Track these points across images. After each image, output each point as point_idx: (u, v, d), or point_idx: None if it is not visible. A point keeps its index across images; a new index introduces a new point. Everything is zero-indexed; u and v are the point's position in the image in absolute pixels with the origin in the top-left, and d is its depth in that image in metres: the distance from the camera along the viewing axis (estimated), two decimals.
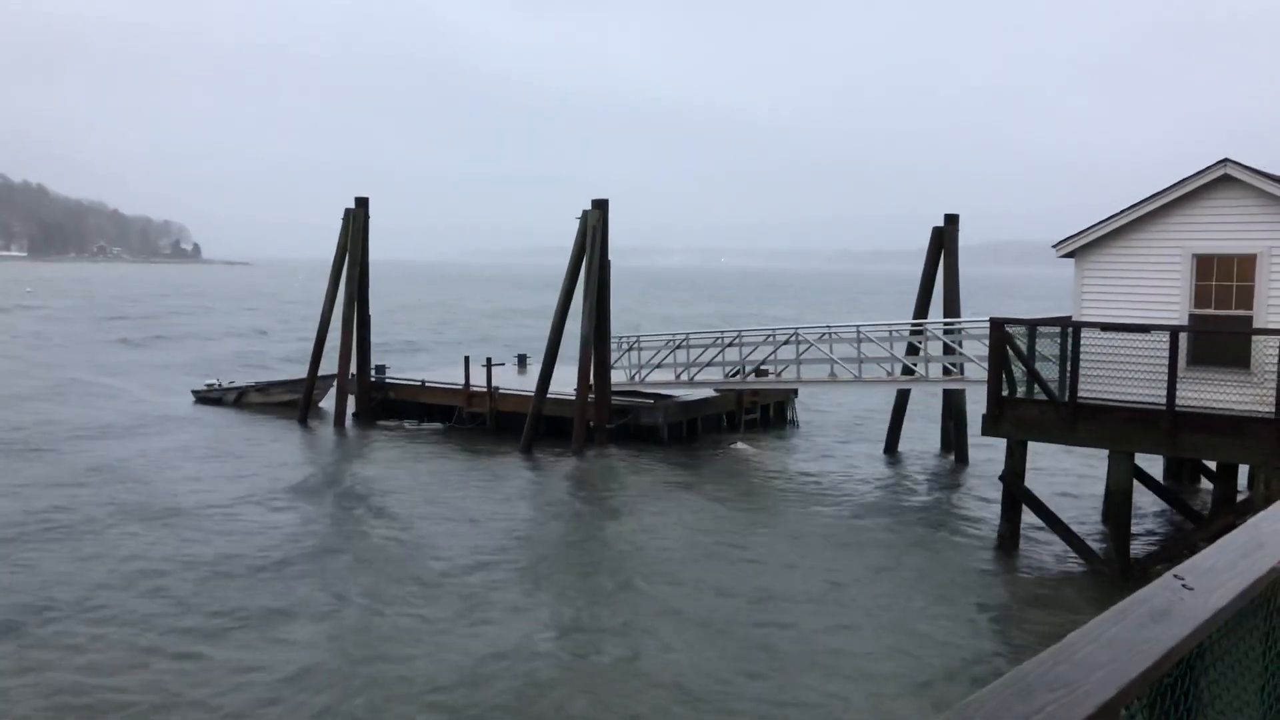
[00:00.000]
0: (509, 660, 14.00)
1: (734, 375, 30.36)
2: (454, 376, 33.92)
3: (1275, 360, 16.44)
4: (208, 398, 37.66)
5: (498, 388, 31.88)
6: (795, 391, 34.47)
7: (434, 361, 49.62)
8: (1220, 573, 2.76)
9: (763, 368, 30.38)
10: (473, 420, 32.17)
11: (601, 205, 29.05)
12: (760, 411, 33.13)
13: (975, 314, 30.70)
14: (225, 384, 38.62)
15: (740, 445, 29.86)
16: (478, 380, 32.25)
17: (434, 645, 14.52)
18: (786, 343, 29.11)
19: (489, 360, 32.68)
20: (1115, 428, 17.88)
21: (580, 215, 29.04)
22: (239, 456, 27.93)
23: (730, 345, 30.39)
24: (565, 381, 29.74)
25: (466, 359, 33.39)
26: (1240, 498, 21.08)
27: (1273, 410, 16.50)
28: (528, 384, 31.48)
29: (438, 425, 32.87)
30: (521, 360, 38.59)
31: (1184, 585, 2.62)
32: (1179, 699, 2.44)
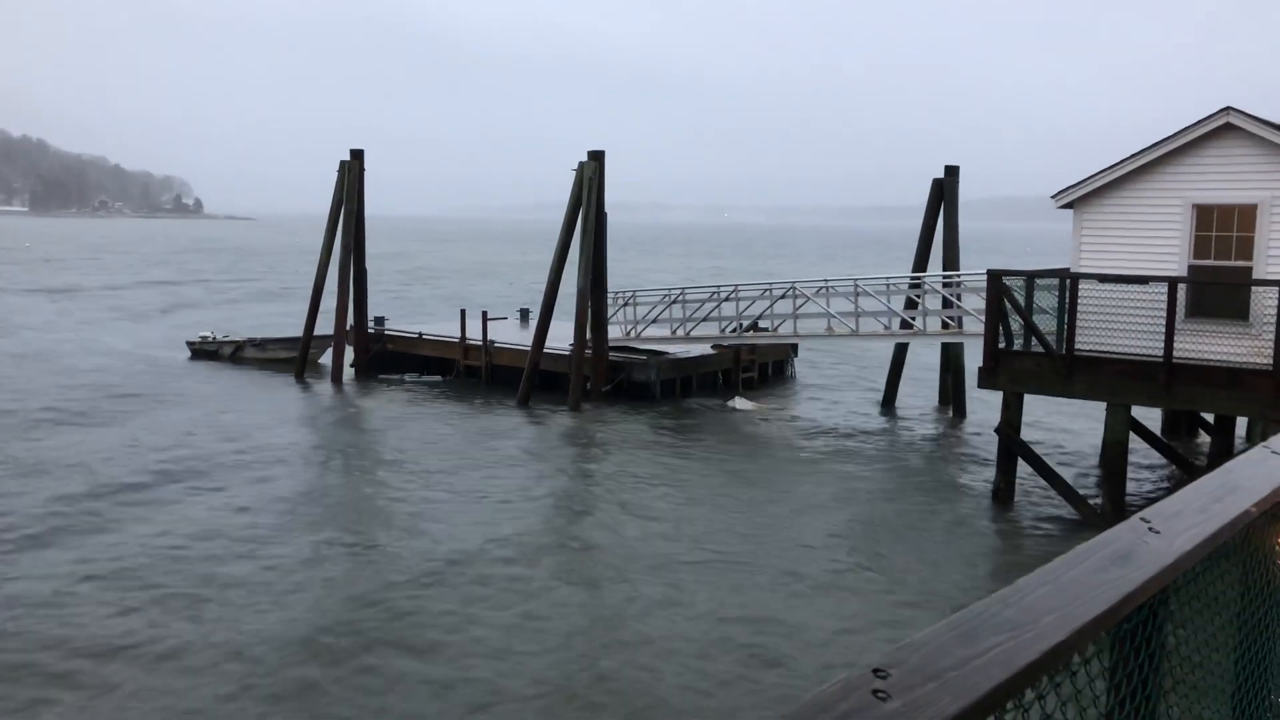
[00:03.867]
0: (490, 615, 14.03)
1: (730, 330, 30.21)
2: (455, 330, 33.83)
3: (1274, 312, 16.28)
4: (203, 350, 37.51)
5: (493, 341, 31.83)
6: (795, 348, 34.35)
7: (437, 313, 49.45)
8: (1189, 516, 2.66)
9: (759, 324, 30.21)
10: (469, 374, 32.16)
11: (597, 157, 28.76)
12: (758, 369, 32.97)
13: (975, 270, 30.48)
14: (221, 337, 38.44)
15: (739, 401, 29.75)
16: (476, 334, 32.21)
17: (423, 601, 14.54)
18: (783, 297, 28.94)
19: (485, 314, 32.59)
20: (1112, 380, 17.77)
21: (576, 167, 28.76)
22: (236, 412, 27.87)
23: (727, 300, 30.21)
24: (564, 337, 29.63)
25: (463, 312, 33.30)
26: (1238, 451, 21.03)
27: (1270, 362, 16.37)
28: (529, 339, 31.41)
29: (436, 379, 32.87)
30: (524, 315, 38.46)
31: (1150, 528, 2.52)
32: (1140, 644, 2.35)
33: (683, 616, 14.02)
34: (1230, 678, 3.17)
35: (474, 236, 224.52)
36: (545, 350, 29.25)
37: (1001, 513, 19.21)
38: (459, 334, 32.66)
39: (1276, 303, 16.23)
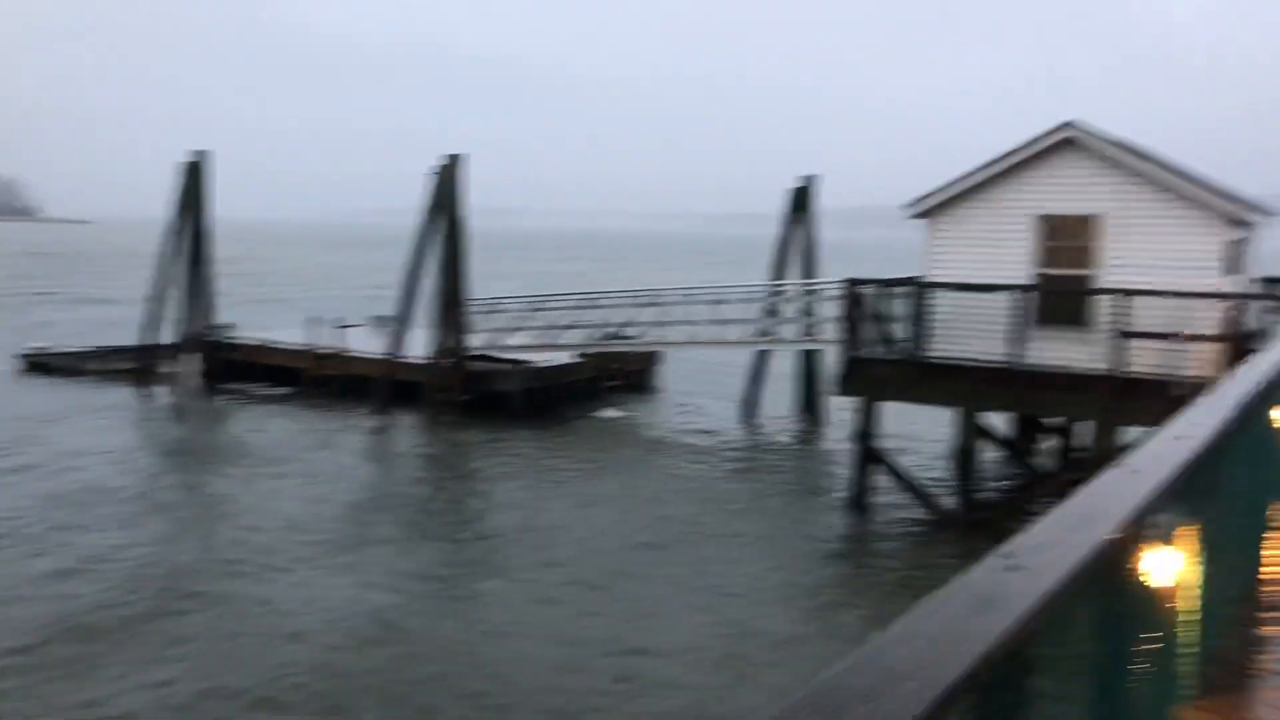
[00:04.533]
0: (320, 629, 13.45)
1: (595, 339, 29.99)
2: (304, 338, 32.64)
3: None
4: (37, 363, 35.25)
5: (346, 349, 30.78)
6: (659, 356, 34.27)
7: (274, 320, 47.73)
8: (1050, 549, 2.52)
9: (624, 332, 30.05)
10: (320, 383, 30.93)
11: (455, 159, 28.13)
12: (623, 378, 32.75)
13: (834, 278, 30.99)
14: (57, 348, 36.20)
15: (605, 411, 29.51)
16: (327, 342, 31.14)
17: (256, 612, 13.84)
18: (647, 305, 28.89)
19: (338, 321, 31.59)
20: (963, 386, 18.18)
21: (432, 170, 28.08)
22: (66, 422, 26.26)
23: (591, 308, 29.99)
24: (423, 345, 28.90)
25: (314, 319, 32.16)
26: (1074, 448, 21.89)
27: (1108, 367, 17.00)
28: (383, 347, 30.53)
29: (285, 389, 31.56)
30: (378, 322, 37.37)
31: (1011, 566, 2.37)
32: (1008, 696, 2.18)
33: (485, 638, 13.43)
34: (1104, 712, 3.06)
35: (326, 240, 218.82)
36: (402, 359, 28.45)
37: (857, 517, 19.45)
38: (309, 342, 31.47)
39: (1111, 310, 16.87)
